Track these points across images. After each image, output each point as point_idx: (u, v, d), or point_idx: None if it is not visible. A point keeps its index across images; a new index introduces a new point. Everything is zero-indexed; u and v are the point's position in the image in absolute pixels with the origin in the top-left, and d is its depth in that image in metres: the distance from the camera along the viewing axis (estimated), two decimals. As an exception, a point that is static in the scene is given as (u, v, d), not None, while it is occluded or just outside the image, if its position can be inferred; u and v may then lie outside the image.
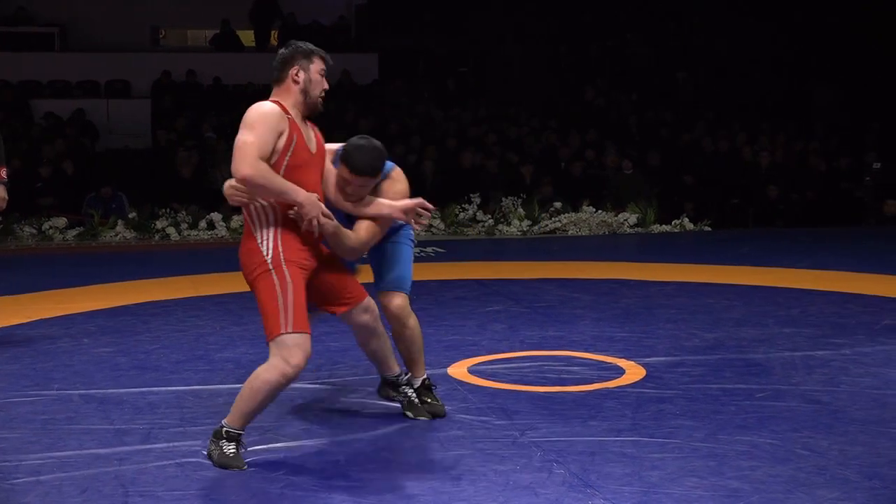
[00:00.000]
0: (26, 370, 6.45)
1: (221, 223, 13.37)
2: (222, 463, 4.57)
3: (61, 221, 13.33)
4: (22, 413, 5.52)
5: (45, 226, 13.27)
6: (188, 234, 13.26)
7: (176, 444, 4.95)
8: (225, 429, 4.60)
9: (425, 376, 5.41)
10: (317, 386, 6.00)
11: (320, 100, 4.75)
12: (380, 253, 5.26)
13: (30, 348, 7.05)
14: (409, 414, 5.32)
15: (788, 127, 17.18)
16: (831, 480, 4.40)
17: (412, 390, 5.35)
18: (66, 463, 4.71)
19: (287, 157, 4.55)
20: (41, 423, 5.34)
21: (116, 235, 13.28)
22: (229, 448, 4.59)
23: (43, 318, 8.07)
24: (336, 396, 5.80)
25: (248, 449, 4.68)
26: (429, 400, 5.38)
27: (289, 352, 4.48)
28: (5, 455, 4.82)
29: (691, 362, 6.47)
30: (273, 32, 21.08)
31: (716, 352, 6.77)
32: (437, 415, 5.33)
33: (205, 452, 4.69)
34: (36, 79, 18.64)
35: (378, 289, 5.26)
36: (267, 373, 4.53)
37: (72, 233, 13.25)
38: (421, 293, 9.06)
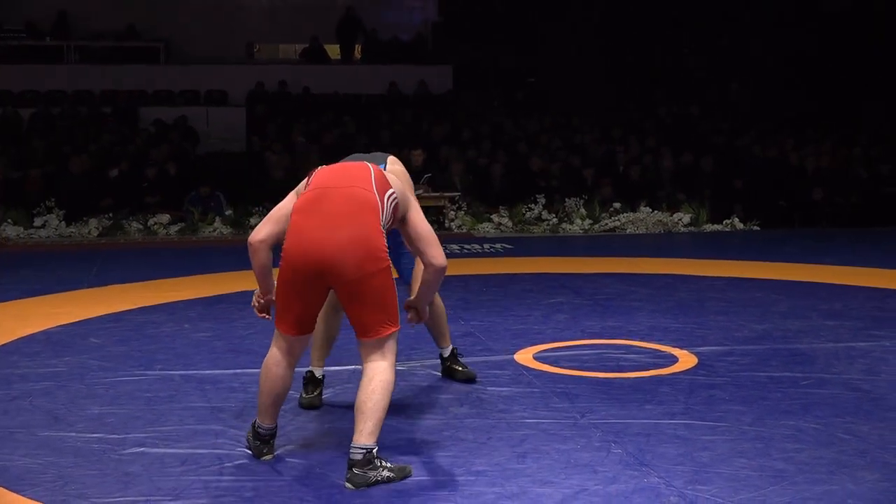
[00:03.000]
0: (133, 352, 6.54)
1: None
2: (401, 477, 4.17)
3: (165, 218, 13.48)
4: (128, 391, 5.60)
5: (151, 222, 13.43)
6: (279, 230, 13.32)
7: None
8: (374, 451, 4.13)
9: (452, 346, 5.81)
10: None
11: None
12: (404, 257, 5.41)
13: (136, 332, 7.14)
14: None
15: (833, 135, 16.94)
16: (872, 463, 4.34)
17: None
18: (167, 437, 4.76)
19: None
20: (145, 400, 5.41)
21: (214, 231, 13.42)
22: (385, 464, 4.16)
23: (148, 304, 8.17)
24: (412, 379, 5.81)
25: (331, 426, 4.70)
26: (460, 368, 5.74)
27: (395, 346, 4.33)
28: (113, 429, 4.89)
29: (740, 352, 6.40)
30: (357, 47, 21.18)
31: (763, 342, 6.69)
32: (472, 380, 5.68)
33: (351, 486, 4.09)
34: (143, 88, 18.89)
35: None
36: (390, 372, 4.25)
37: (174, 228, 13.40)
38: (490, 286, 9.07)
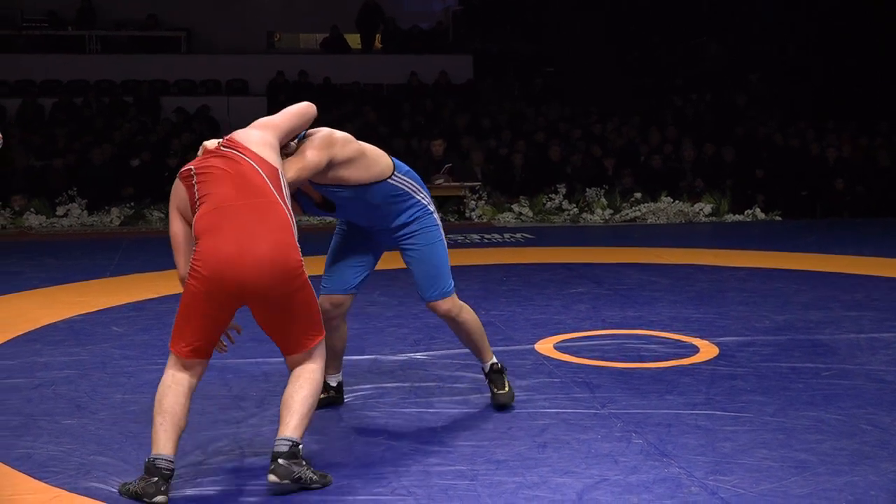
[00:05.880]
0: (155, 340, 6.55)
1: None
2: (323, 484, 4.01)
3: (186, 207, 13.49)
4: (151, 379, 5.60)
5: (172, 211, 13.45)
6: (299, 219, 13.33)
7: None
8: (300, 446, 3.99)
9: (494, 360, 5.03)
10: (416, 359, 6.02)
11: None
12: (417, 262, 4.81)
13: (158, 321, 7.16)
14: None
15: (854, 124, 16.84)
16: (894, 454, 4.31)
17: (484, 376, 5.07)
18: (189, 425, 4.76)
19: None
20: (167, 388, 5.42)
21: (235, 220, 13.42)
22: (310, 466, 4.02)
23: (171, 293, 8.18)
24: (433, 369, 5.81)
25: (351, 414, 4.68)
26: (496, 389, 4.98)
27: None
28: (136, 417, 4.91)
29: (762, 342, 6.37)
30: (377, 36, 21.18)
31: (785, 333, 6.66)
32: (503, 405, 4.97)
33: (275, 478, 3.92)
34: (165, 78, 18.93)
35: (424, 299, 4.84)
36: (319, 374, 4.13)
37: (195, 217, 13.41)
38: (511, 276, 9.06)
